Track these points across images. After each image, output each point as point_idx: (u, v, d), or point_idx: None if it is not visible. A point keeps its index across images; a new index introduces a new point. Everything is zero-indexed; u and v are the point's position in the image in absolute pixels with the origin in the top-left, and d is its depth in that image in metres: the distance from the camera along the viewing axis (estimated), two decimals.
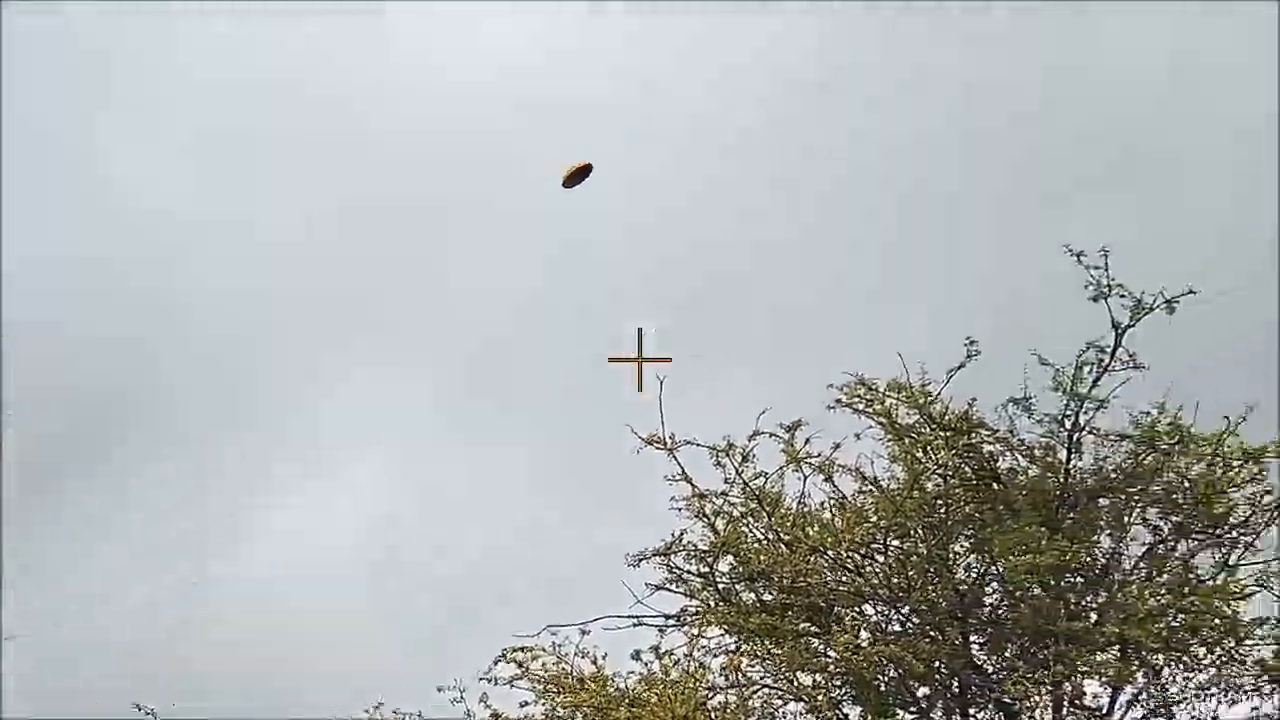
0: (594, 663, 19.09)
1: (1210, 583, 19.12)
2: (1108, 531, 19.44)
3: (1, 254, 25.17)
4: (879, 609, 19.42)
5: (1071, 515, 19.14)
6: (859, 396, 19.23)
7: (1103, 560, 19.34)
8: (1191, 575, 19.20)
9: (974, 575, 19.28)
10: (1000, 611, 19.24)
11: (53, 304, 29.17)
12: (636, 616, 19.64)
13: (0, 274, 24.56)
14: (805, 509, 19.54)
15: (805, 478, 19.51)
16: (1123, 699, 18.86)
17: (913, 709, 19.32)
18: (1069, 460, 19.16)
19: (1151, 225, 25.93)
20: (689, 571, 19.72)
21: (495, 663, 19.12)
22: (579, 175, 18.96)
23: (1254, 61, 26.55)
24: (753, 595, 19.53)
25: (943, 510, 19.14)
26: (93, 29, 29.31)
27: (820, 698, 18.74)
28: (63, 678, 25.02)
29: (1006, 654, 19.19)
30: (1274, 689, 18.86)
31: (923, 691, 19.30)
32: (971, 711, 19.16)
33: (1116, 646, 18.64)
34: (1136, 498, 19.36)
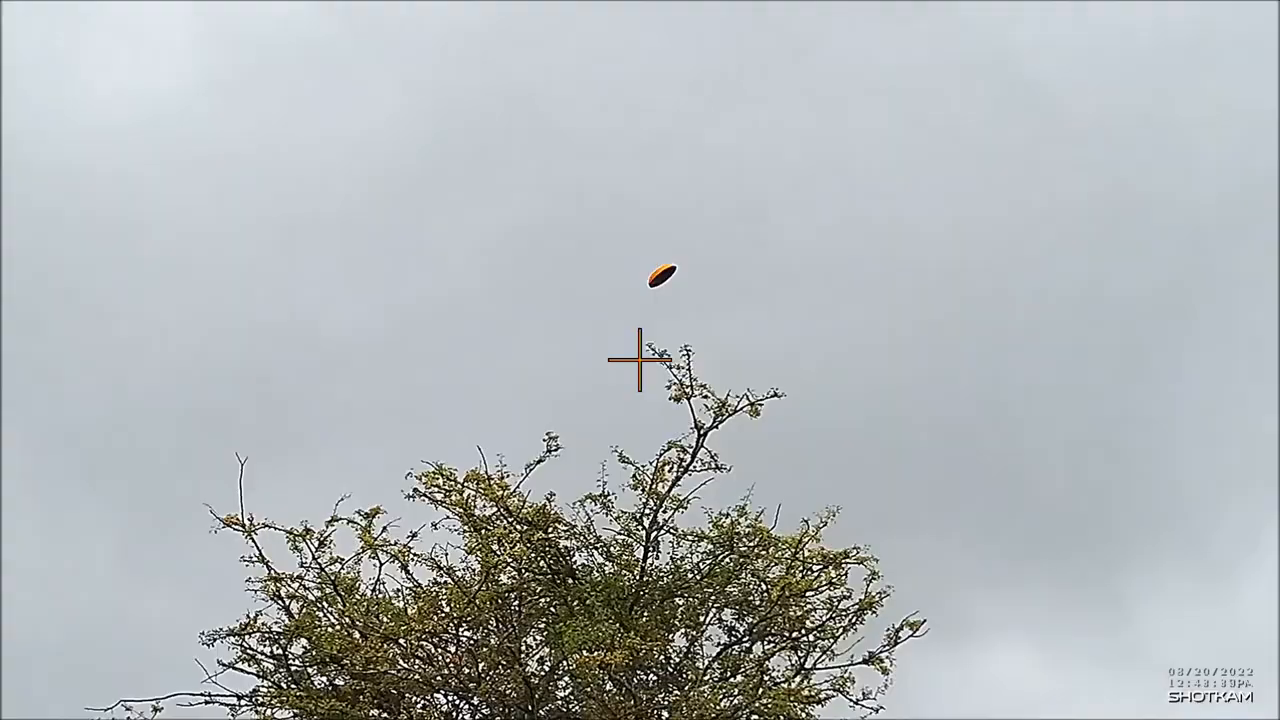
0: None
1: (785, 685, 19.23)
2: (682, 630, 19.46)
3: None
4: (450, 698, 19.20)
5: (646, 613, 19.12)
6: (437, 486, 19.05)
7: (676, 659, 19.34)
8: (766, 677, 19.27)
9: (546, 669, 19.12)
10: (571, 706, 19.11)
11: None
12: (208, 694, 19.20)
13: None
14: (380, 596, 19.27)
15: (381, 565, 19.25)
16: None
17: None
18: (645, 558, 19.20)
19: None
20: (263, 652, 19.29)
21: None
22: (664, 276, 19.32)
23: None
24: (325, 679, 19.18)
25: (516, 603, 19.04)
26: None
27: None
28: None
29: None
30: None
31: None
32: None
33: None
34: (713, 598, 19.43)
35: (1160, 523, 28.22)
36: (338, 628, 19.09)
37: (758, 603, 19.43)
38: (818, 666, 19.50)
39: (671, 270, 19.46)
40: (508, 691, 18.87)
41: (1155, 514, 28.29)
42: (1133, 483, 28.01)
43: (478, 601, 18.72)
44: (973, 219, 29.74)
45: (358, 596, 19.26)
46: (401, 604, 19.26)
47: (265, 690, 19.29)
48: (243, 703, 19.27)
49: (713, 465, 19.06)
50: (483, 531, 18.99)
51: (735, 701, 18.94)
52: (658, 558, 19.33)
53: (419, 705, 19.12)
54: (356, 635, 18.90)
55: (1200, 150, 30.92)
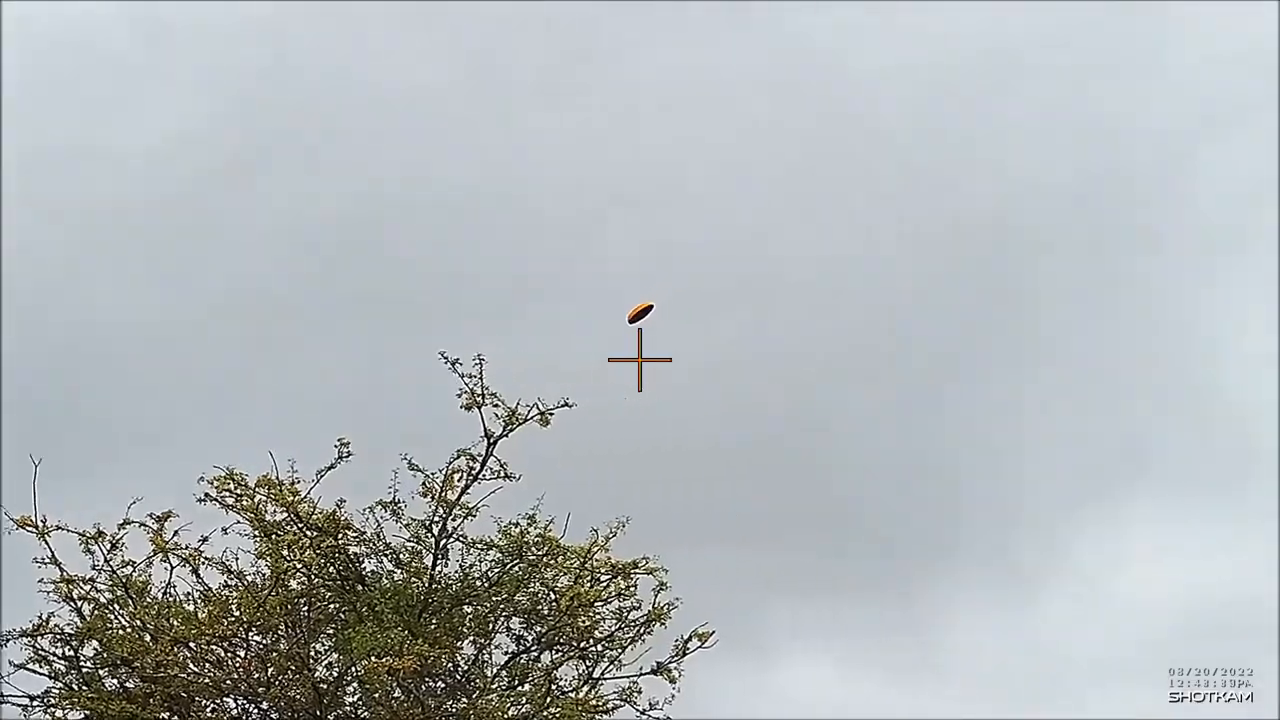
0: None
1: (573, 694, 19.60)
2: (471, 638, 19.78)
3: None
4: (239, 702, 19.35)
5: (435, 620, 19.41)
6: (229, 490, 19.26)
7: (465, 667, 19.66)
8: (554, 686, 19.65)
9: (334, 674, 19.35)
10: (359, 712, 19.35)
11: None
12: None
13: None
14: (171, 599, 19.43)
15: (172, 569, 19.42)
16: None
17: None
18: (434, 566, 19.51)
19: None
20: (54, 654, 19.40)
21: None
22: (642, 313, 19.95)
23: None
24: (116, 682, 19.31)
25: (305, 609, 19.27)
26: None
27: None
28: None
29: None
30: None
31: None
32: None
33: None
34: (502, 606, 19.77)
35: (958, 532, 28.91)
36: (129, 630, 19.21)
37: (546, 612, 19.80)
38: (606, 676, 19.96)
39: (649, 309, 19.90)
40: (296, 696, 19.08)
41: (953, 524, 28.98)
42: (931, 492, 28.68)
43: (267, 606, 18.94)
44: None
45: (149, 599, 19.41)
46: (192, 607, 19.43)
47: (57, 691, 19.35)
48: (34, 704, 19.37)
49: (502, 474, 19.43)
50: (273, 537, 19.22)
51: (523, 710, 19.32)
52: (447, 565, 19.69)
53: (209, 709, 19.30)
54: (147, 638, 19.03)
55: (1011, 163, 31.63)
